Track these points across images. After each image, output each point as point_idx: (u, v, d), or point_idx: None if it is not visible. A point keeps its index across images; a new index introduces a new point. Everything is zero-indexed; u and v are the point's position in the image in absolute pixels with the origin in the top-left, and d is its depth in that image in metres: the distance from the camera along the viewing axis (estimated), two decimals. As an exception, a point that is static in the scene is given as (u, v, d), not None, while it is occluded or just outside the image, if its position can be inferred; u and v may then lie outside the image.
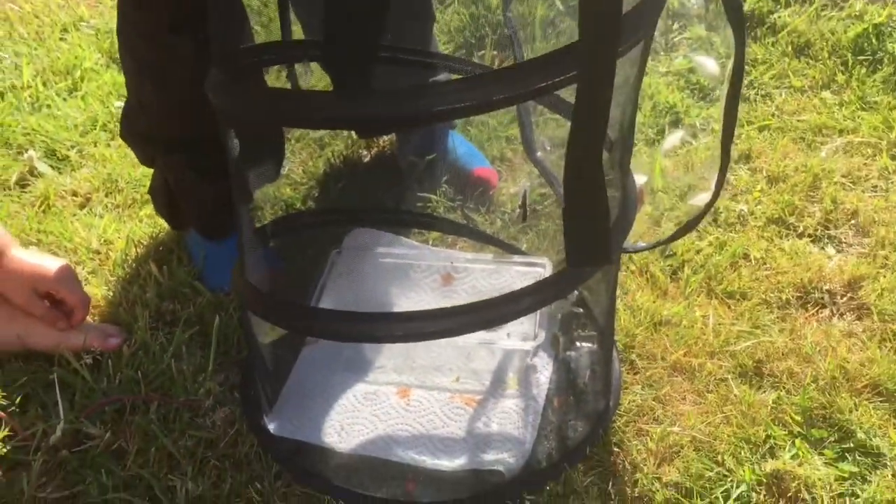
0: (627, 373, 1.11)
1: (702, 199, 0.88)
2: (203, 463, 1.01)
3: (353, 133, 1.55)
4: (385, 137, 1.59)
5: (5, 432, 1.05)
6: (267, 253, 1.14)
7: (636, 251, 1.17)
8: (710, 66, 1.02)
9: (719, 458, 0.99)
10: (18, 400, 1.08)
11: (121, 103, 1.69)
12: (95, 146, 1.59)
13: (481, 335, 1.03)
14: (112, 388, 1.09)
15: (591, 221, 0.75)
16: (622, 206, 0.87)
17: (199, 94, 0.88)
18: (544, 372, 1.08)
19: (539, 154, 1.04)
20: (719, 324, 1.17)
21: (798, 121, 1.61)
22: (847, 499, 0.95)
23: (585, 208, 0.74)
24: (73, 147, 1.58)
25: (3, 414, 1.05)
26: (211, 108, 0.91)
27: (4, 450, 1.03)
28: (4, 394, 1.09)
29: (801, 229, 1.35)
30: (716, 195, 0.90)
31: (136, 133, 1.24)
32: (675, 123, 1.60)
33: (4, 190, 1.47)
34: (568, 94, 1.07)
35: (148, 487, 0.99)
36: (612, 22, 0.64)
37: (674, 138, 1.36)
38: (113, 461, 1.02)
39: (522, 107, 1.25)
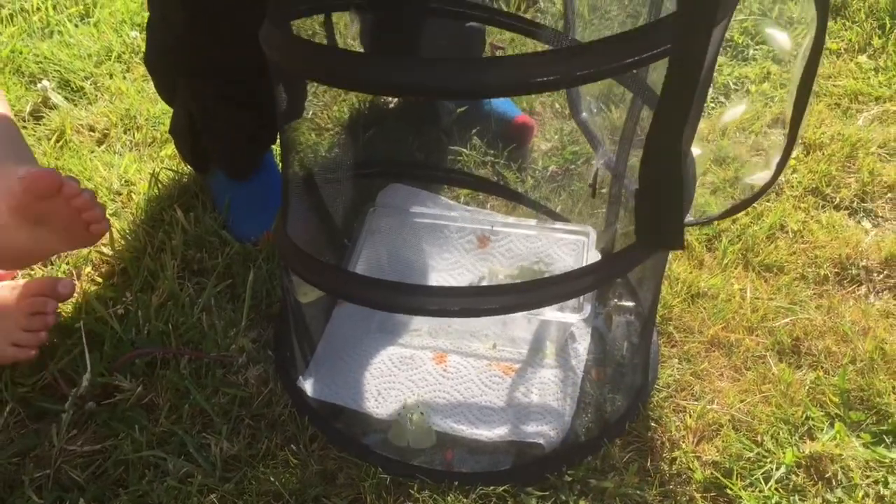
0: (665, 345, 1.09)
1: (760, 178, 0.85)
2: (237, 421, 1.00)
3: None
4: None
5: (33, 381, 1.02)
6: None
7: (687, 225, 1.15)
8: (780, 38, 0.97)
9: (759, 437, 0.99)
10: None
11: (136, 33, 1.62)
12: (111, 78, 1.53)
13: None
14: (141, 340, 1.07)
15: (668, 204, 0.72)
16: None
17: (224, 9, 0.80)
18: (582, 342, 1.07)
19: (584, 115, 1.00)
20: (756, 298, 1.16)
21: (833, 86, 1.58)
22: (881, 487, 0.95)
23: (663, 191, 0.71)
24: (87, 78, 1.52)
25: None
26: (233, 28, 0.84)
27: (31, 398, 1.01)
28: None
29: (837, 201, 1.33)
30: (775, 177, 0.87)
31: (161, 51, 1.18)
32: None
33: (19, 121, 1.42)
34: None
35: (181, 444, 0.98)
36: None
37: (735, 111, 1.32)
38: (144, 416, 1.00)
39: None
